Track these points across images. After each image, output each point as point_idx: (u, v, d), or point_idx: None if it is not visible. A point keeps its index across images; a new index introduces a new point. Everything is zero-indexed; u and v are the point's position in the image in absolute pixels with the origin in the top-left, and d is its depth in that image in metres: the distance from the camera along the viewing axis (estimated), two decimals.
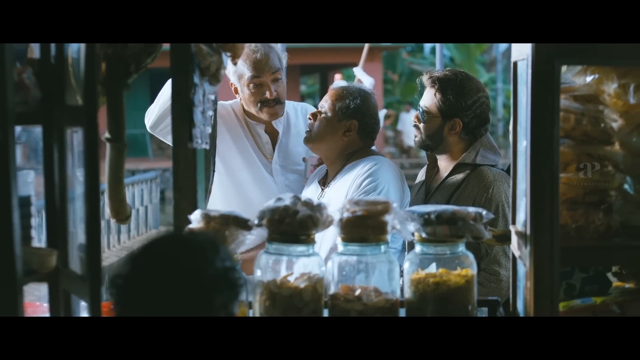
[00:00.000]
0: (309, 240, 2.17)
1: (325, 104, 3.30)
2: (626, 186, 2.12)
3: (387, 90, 27.56)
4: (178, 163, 2.34)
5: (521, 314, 2.20)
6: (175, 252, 1.76)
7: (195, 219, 2.21)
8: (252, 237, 2.21)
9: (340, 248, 2.20)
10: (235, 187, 3.34)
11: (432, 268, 2.20)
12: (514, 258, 2.30)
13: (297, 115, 3.59)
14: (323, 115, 3.27)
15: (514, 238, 2.25)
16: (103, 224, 9.24)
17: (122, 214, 2.47)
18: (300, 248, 2.18)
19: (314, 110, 3.41)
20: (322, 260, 2.23)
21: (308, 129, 3.32)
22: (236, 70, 3.41)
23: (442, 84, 3.22)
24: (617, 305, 2.22)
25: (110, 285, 1.76)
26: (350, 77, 20.96)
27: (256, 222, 2.19)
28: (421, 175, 3.47)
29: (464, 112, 3.21)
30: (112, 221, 2.50)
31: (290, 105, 3.60)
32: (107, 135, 2.35)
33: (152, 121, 3.36)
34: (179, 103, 2.31)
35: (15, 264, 1.90)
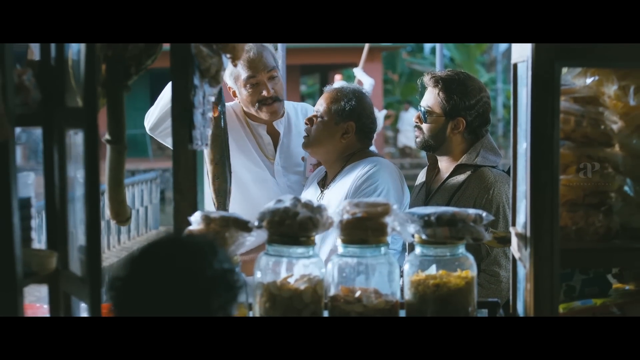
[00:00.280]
0: (309, 242, 2.17)
1: (320, 107, 3.29)
2: (626, 188, 2.12)
3: (387, 90, 27.56)
4: (178, 165, 2.34)
5: (521, 316, 2.20)
6: (173, 253, 1.76)
7: (196, 221, 2.21)
8: (252, 239, 2.21)
9: (340, 250, 2.20)
10: (238, 189, 3.34)
11: (432, 270, 2.20)
12: (514, 260, 2.30)
13: (298, 115, 3.59)
14: (319, 119, 3.27)
15: (514, 240, 2.25)
16: (103, 224, 9.24)
17: (122, 215, 2.47)
18: (300, 250, 2.18)
19: (314, 109, 3.41)
20: (322, 262, 2.23)
21: (306, 134, 3.31)
22: (232, 73, 3.41)
23: (446, 83, 3.22)
24: (617, 307, 2.22)
25: (109, 288, 1.76)
26: (350, 77, 20.97)
27: (256, 223, 2.19)
28: (421, 177, 3.47)
29: (467, 111, 3.22)
30: (112, 222, 2.50)
31: (291, 106, 3.60)
32: (107, 136, 2.35)
33: (152, 123, 3.36)
34: (179, 105, 2.31)
35: (16, 266, 1.90)
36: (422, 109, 3.28)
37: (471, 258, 2.21)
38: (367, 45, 12.46)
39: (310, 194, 3.33)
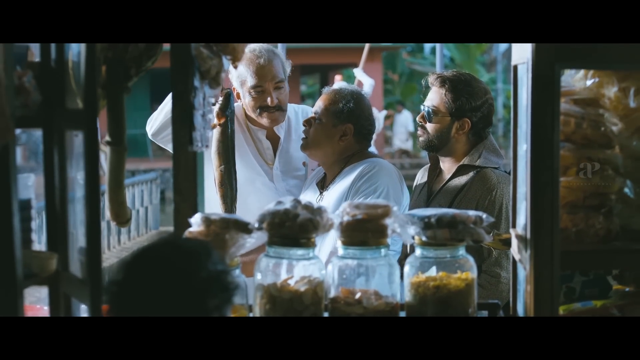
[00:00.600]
0: (309, 244, 2.17)
1: (318, 109, 3.29)
2: (626, 190, 2.12)
3: (387, 90, 27.57)
4: (178, 166, 2.33)
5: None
6: (167, 255, 1.77)
7: (196, 223, 2.21)
8: (252, 241, 2.21)
9: (341, 251, 2.20)
10: (239, 188, 3.34)
11: (433, 271, 2.20)
12: (514, 261, 2.30)
13: (298, 119, 3.58)
14: (317, 121, 3.26)
15: (514, 242, 2.25)
16: (103, 225, 9.24)
17: (122, 217, 2.47)
18: (301, 251, 2.18)
19: (312, 111, 3.41)
20: (323, 263, 2.23)
21: (304, 136, 3.31)
22: (239, 76, 3.41)
23: (453, 84, 3.22)
24: (617, 309, 2.21)
25: (105, 291, 1.76)
26: (350, 77, 20.96)
27: (256, 225, 2.19)
28: (421, 177, 3.47)
29: (473, 112, 3.22)
30: (112, 223, 2.50)
31: (291, 109, 3.60)
32: (107, 138, 2.35)
33: (155, 129, 3.37)
34: (179, 106, 2.31)
35: (16, 268, 1.90)
36: (427, 108, 3.27)
37: (471, 260, 2.21)
38: (367, 46, 12.46)
39: (309, 196, 3.33)
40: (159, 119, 3.35)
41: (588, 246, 2.09)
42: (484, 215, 2.20)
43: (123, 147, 2.34)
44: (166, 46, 2.29)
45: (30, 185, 2.29)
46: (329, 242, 3.01)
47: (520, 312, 2.22)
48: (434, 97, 3.27)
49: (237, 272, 2.23)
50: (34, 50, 2.24)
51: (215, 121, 3.20)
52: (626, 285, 2.31)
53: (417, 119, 3.35)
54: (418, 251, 2.22)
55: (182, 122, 2.31)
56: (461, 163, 3.25)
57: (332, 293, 2.20)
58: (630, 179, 2.12)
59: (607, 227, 2.08)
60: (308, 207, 2.17)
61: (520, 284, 2.21)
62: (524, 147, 2.09)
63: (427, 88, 3.34)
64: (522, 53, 2.09)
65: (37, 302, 2.99)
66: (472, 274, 2.20)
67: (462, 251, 2.20)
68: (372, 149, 3.43)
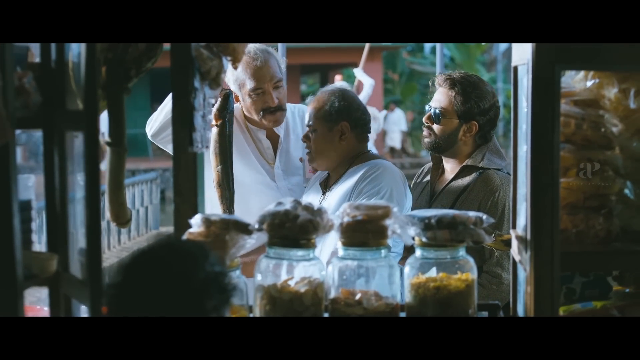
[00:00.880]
0: (309, 245, 2.17)
1: (310, 120, 3.28)
2: (626, 191, 2.11)
3: (388, 90, 27.54)
4: (178, 167, 2.33)
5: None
6: (164, 257, 1.77)
7: (196, 223, 2.21)
8: (252, 241, 2.21)
9: (341, 252, 2.20)
10: (238, 194, 3.34)
11: (433, 272, 2.20)
12: (514, 262, 2.30)
13: (295, 118, 3.59)
14: (313, 132, 3.25)
15: (515, 243, 2.25)
16: (103, 224, 9.24)
17: (122, 217, 2.48)
18: (301, 252, 2.18)
19: (301, 106, 3.44)
20: (323, 264, 2.23)
21: (307, 150, 3.30)
22: (237, 79, 3.41)
23: (463, 86, 3.20)
24: (617, 310, 2.21)
25: (104, 295, 1.77)
26: (350, 77, 20.94)
27: (256, 226, 2.19)
28: (422, 175, 3.46)
29: (481, 115, 3.22)
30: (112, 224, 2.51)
31: (288, 108, 3.60)
32: (107, 139, 2.35)
33: (155, 130, 3.37)
34: (179, 107, 2.31)
35: (16, 269, 1.90)
36: (435, 110, 3.25)
37: (471, 261, 2.21)
38: (367, 45, 12.44)
39: (313, 196, 3.33)
40: (158, 120, 3.35)
41: (588, 247, 2.09)
42: (484, 217, 2.20)
43: (123, 148, 2.35)
44: (166, 46, 2.29)
45: (30, 186, 2.30)
46: (331, 242, 3.00)
47: (521, 313, 2.21)
48: (442, 98, 3.25)
49: (237, 272, 2.23)
50: (34, 52, 2.24)
51: (213, 122, 3.20)
52: (626, 286, 2.31)
53: (423, 119, 3.32)
54: (418, 252, 2.22)
55: (182, 123, 2.31)
56: (464, 164, 3.25)
57: (333, 294, 2.20)
58: (631, 180, 2.12)
59: (607, 228, 2.08)
60: (308, 208, 2.17)
61: (521, 285, 2.21)
62: (524, 148, 2.09)
63: (434, 88, 3.32)
64: (522, 54, 2.09)
65: (37, 303, 3.00)
66: (473, 274, 2.20)
67: (462, 252, 2.20)
68: (373, 149, 3.42)
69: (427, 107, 3.33)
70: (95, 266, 1.96)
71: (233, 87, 3.44)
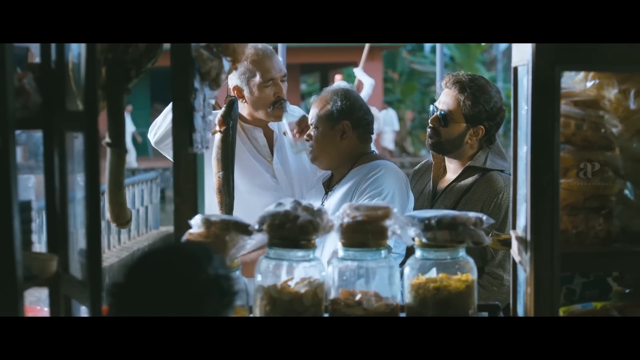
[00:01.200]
0: (309, 245, 2.17)
1: (312, 119, 3.28)
2: (626, 192, 2.11)
3: (388, 89, 27.55)
4: (179, 168, 2.34)
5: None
6: (167, 259, 1.77)
7: (196, 224, 2.21)
8: (252, 242, 2.21)
9: (341, 253, 2.20)
10: (238, 194, 3.33)
11: (433, 273, 2.20)
12: (514, 263, 2.30)
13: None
14: (315, 130, 3.25)
15: (515, 243, 2.25)
16: (103, 224, 9.23)
17: (122, 218, 2.48)
18: (301, 253, 2.18)
19: (294, 107, 3.45)
20: (323, 265, 2.23)
21: (310, 148, 3.30)
22: (244, 73, 3.40)
23: (473, 90, 3.18)
24: (617, 310, 2.21)
25: (106, 294, 1.77)
26: (350, 76, 20.95)
27: (256, 227, 2.19)
28: (423, 172, 3.44)
29: (489, 120, 3.20)
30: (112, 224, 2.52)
31: None
32: (107, 140, 2.35)
33: (159, 136, 3.38)
34: (180, 108, 2.31)
35: (16, 270, 1.90)
36: (441, 112, 3.23)
37: (471, 261, 2.21)
38: (367, 45, 12.45)
39: (315, 195, 3.33)
40: (162, 126, 3.35)
41: (588, 248, 2.09)
42: (484, 217, 2.20)
43: (123, 149, 2.35)
44: (166, 45, 2.29)
45: (30, 186, 2.30)
46: (331, 242, 3.00)
47: (521, 313, 2.21)
48: (450, 101, 3.22)
49: (237, 273, 2.23)
50: (34, 53, 2.24)
51: (217, 127, 3.21)
52: (626, 286, 2.31)
53: (429, 121, 3.29)
54: (418, 253, 2.22)
55: (183, 123, 2.31)
56: (468, 165, 3.24)
57: (333, 295, 2.20)
58: (631, 181, 2.12)
59: (607, 229, 2.08)
60: (308, 208, 2.17)
61: (521, 286, 2.21)
62: (524, 149, 2.09)
63: (440, 89, 3.30)
64: (522, 55, 2.09)
65: (37, 303, 2.99)
66: (473, 275, 2.20)
67: (462, 253, 2.20)
68: (374, 150, 3.41)
69: (431, 108, 3.30)
70: (95, 267, 1.96)
71: (238, 82, 3.41)
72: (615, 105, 2.11)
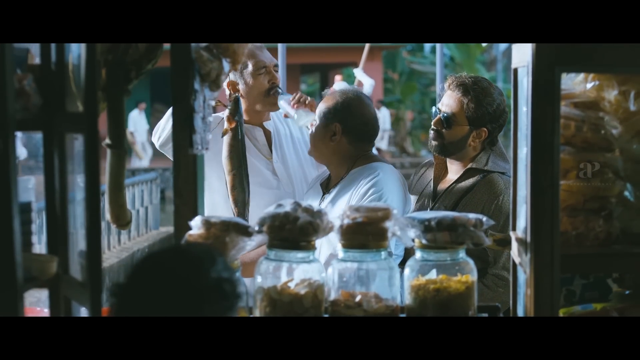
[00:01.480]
0: (309, 247, 2.17)
1: (317, 112, 3.30)
2: (626, 193, 2.11)
3: (387, 90, 27.53)
4: (178, 169, 2.34)
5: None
6: (170, 261, 1.77)
7: (196, 225, 2.21)
8: (252, 243, 2.21)
9: (341, 254, 2.20)
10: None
11: (433, 274, 2.20)
12: (514, 265, 2.30)
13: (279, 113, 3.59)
14: (315, 122, 3.27)
15: (515, 245, 2.25)
16: (103, 225, 9.23)
17: (122, 219, 2.48)
18: (301, 254, 2.18)
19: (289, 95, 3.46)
20: (323, 266, 2.23)
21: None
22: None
23: (476, 93, 3.17)
24: (617, 312, 2.21)
25: (109, 295, 1.77)
26: (350, 77, 20.94)
27: (257, 228, 2.19)
28: (424, 172, 3.44)
29: (492, 123, 3.20)
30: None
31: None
32: (107, 141, 2.35)
33: (162, 140, 3.38)
34: (180, 109, 2.31)
35: (16, 271, 1.90)
36: (444, 114, 3.22)
37: (471, 263, 2.21)
38: (367, 45, 12.44)
39: (313, 196, 3.33)
40: (166, 129, 3.35)
41: (588, 249, 2.09)
42: (484, 219, 2.20)
43: (123, 150, 2.35)
44: (166, 45, 2.29)
45: (30, 188, 2.30)
46: (327, 246, 3.00)
47: (521, 315, 2.21)
48: (453, 103, 3.21)
49: (237, 274, 2.23)
50: (35, 54, 2.24)
51: (227, 126, 3.22)
52: (626, 288, 2.31)
53: (432, 123, 3.27)
54: (418, 254, 2.22)
55: (182, 125, 2.31)
56: (469, 166, 3.23)
57: (333, 296, 2.20)
58: (631, 182, 2.12)
59: (607, 230, 2.08)
60: (308, 210, 2.17)
61: (521, 287, 2.21)
62: (524, 150, 2.09)
63: (442, 91, 3.29)
64: (522, 56, 2.09)
65: (37, 304, 3.00)
66: (472, 277, 2.20)
67: (462, 254, 2.20)
68: (374, 150, 3.41)
69: (434, 110, 3.29)
70: (95, 268, 1.96)
71: (231, 76, 3.42)
72: (615, 107, 2.11)
